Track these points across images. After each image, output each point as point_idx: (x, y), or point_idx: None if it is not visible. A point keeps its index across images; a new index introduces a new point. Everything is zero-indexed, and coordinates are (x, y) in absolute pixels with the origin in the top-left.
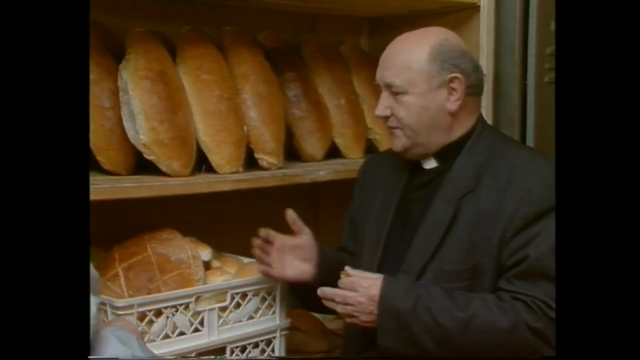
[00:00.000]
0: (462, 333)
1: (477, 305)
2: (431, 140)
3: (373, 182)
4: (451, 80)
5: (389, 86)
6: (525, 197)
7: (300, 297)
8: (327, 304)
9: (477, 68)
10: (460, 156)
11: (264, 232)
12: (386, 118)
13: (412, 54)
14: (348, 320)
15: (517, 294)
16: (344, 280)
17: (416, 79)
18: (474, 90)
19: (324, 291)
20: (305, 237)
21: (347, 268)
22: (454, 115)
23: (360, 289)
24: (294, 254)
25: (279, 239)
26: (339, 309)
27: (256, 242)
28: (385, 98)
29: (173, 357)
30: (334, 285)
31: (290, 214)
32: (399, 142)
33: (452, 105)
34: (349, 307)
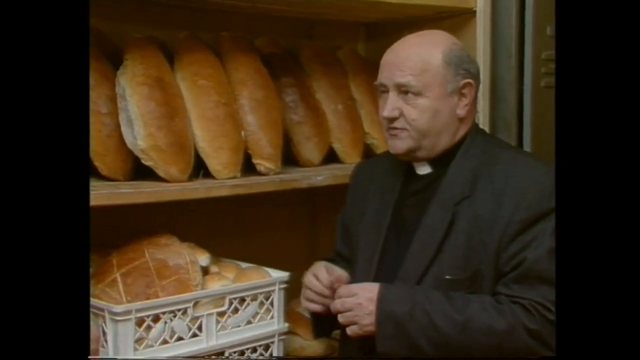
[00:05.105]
0: (460, 335)
1: (474, 308)
2: (437, 143)
3: (365, 188)
4: (464, 85)
5: (400, 86)
6: (521, 201)
7: (316, 324)
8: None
9: (479, 73)
10: (454, 161)
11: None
12: (392, 120)
13: (427, 56)
14: (350, 330)
15: (515, 298)
16: (340, 289)
17: (432, 83)
18: (477, 95)
19: (332, 306)
20: (345, 279)
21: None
22: (461, 120)
23: (359, 292)
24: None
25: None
26: (341, 318)
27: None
28: (393, 99)
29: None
30: None
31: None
32: (403, 144)
33: (462, 110)
34: (349, 313)
